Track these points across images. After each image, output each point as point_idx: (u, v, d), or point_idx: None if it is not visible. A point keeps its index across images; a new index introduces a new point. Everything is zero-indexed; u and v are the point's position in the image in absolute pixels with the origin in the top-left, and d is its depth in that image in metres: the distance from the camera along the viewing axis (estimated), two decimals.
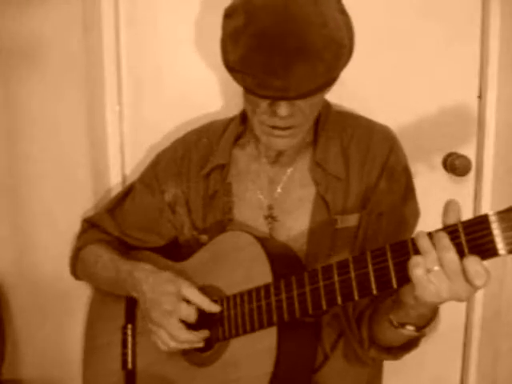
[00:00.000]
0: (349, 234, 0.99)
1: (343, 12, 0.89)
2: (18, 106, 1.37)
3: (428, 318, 0.80)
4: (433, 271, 0.67)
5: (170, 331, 0.91)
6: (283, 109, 0.86)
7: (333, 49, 0.83)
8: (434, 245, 0.67)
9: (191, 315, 0.91)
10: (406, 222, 1.01)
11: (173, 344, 0.93)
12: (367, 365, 1.02)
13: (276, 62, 0.81)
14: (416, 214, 1.04)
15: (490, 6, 1.26)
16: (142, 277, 0.97)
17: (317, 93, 0.85)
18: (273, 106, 0.87)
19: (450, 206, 0.69)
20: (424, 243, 0.68)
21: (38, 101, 1.35)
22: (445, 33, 1.28)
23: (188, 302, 0.92)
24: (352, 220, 0.99)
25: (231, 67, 0.87)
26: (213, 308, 0.92)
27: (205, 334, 0.93)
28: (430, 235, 0.68)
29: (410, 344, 0.88)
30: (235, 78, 0.87)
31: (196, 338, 0.92)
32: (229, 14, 0.89)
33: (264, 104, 0.89)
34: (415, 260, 0.68)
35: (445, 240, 0.66)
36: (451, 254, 0.65)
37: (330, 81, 0.86)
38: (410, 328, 0.81)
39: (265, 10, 0.83)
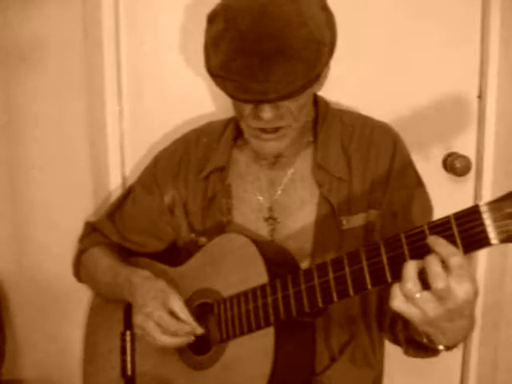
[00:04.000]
0: (356, 235, 0.99)
1: (325, 9, 0.88)
2: (18, 106, 1.37)
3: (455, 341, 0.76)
4: (415, 298, 0.66)
5: (150, 333, 0.92)
6: (266, 113, 0.86)
7: (312, 48, 0.83)
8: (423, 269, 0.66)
9: (167, 323, 0.90)
10: (421, 218, 0.99)
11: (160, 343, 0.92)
12: (374, 367, 1.03)
13: (255, 66, 0.81)
14: (429, 208, 1.02)
15: (490, 6, 1.26)
16: (138, 283, 0.97)
17: (298, 93, 0.85)
18: (256, 110, 0.88)
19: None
20: (409, 271, 0.67)
21: (38, 101, 1.35)
22: (445, 33, 1.28)
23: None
24: (358, 220, 0.99)
25: (212, 73, 0.88)
26: (196, 330, 0.91)
27: (184, 341, 0.92)
28: (423, 233, 0.68)
29: None
30: (217, 83, 0.88)
31: (178, 343, 0.92)
32: (210, 20, 0.90)
33: (248, 108, 0.89)
34: (393, 292, 0.68)
35: (434, 267, 0.65)
36: (442, 282, 0.64)
37: (310, 80, 0.85)
38: (441, 348, 0.77)
39: (243, 13, 0.83)
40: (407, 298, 0.67)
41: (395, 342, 0.95)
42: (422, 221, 0.98)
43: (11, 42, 1.33)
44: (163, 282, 0.96)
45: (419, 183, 1.03)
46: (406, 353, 0.92)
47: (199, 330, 0.92)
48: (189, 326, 0.91)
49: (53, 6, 1.30)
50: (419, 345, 0.84)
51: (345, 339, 1.02)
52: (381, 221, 0.99)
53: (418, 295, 0.66)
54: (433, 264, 0.65)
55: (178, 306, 0.92)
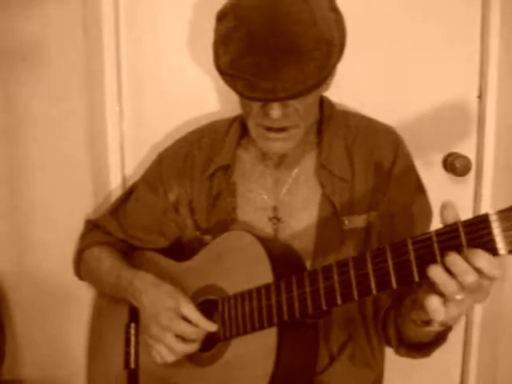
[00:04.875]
0: (357, 235, 0.99)
1: (334, 10, 0.89)
2: (18, 106, 1.37)
3: None
4: (455, 300, 0.65)
5: (168, 344, 0.91)
6: (275, 111, 0.86)
7: (323, 48, 0.83)
8: (446, 270, 0.64)
9: (188, 332, 0.91)
10: (420, 221, 1.00)
11: (170, 358, 0.93)
12: (374, 367, 1.03)
13: (265, 64, 0.81)
14: (429, 213, 1.02)
15: (490, 6, 1.26)
16: (141, 288, 0.97)
17: (307, 93, 0.85)
18: (265, 108, 0.87)
19: (446, 208, 0.66)
20: (440, 274, 0.64)
21: (38, 101, 1.35)
22: (445, 33, 1.28)
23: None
24: (359, 221, 0.99)
25: (222, 70, 0.87)
26: (210, 328, 0.91)
27: (198, 345, 0.93)
28: (430, 239, 0.67)
29: (439, 339, 0.87)
30: (226, 81, 0.87)
31: (193, 349, 0.92)
32: (220, 18, 0.90)
33: (256, 106, 0.89)
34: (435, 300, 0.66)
35: (461, 263, 0.63)
36: (472, 277, 0.63)
37: (320, 80, 0.85)
38: (435, 324, 0.77)
39: (253, 11, 0.83)
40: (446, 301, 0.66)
41: (387, 342, 0.95)
42: (420, 224, 1.00)
43: (11, 41, 1.33)
44: (168, 285, 0.96)
45: (419, 187, 1.03)
46: (397, 352, 0.92)
47: (213, 328, 0.91)
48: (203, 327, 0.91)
49: (53, 6, 1.30)
50: (411, 345, 0.86)
51: (344, 339, 1.02)
52: (379, 221, 0.99)
53: (459, 297, 0.65)
54: (459, 261, 0.64)
55: (187, 309, 0.91)
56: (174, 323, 0.91)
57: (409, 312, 0.81)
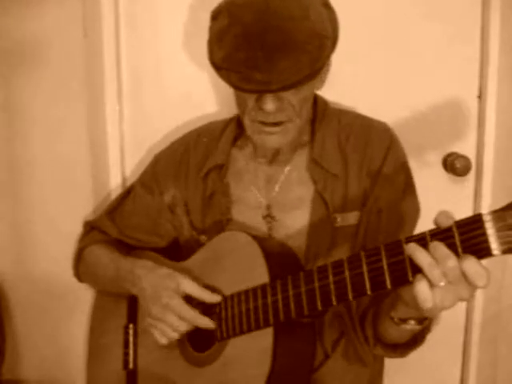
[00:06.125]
0: (349, 232, 0.99)
1: (327, 5, 0.91)
2: (18, 106, 1.37)
3: None
4: (438, 286, 0.65)
5: (169, 322, 0.92)
6: (269, 104, 0.87)
7: (315, 41, 0.85)
8: (431, 255, 0.65)
9: (186, 314, 0.91)
10: (406, 219, 1.01)
11: (174, 335, 0.93)
12: (368, 364, 1.02)
13: (259, 57, 0.83)
14: (416, 210, 1.03)
15: (490, 6, 1.26)
16: (141, 274, 0.98)
17: (300, 84, 0.86)
18: (259, 102, 0.88)
19: (442, 215, 0.66)
20: (425, 258, 0.65)
21: (38, 101, 1.35)
22: (445, 33, 1.28)
23: (187, 297, 0.92)
24: (352, 218, 0.99)
25: (216, 65, 0.89)
26: (213, 298, 0.92)
27: (204, 321, 0.92)
28: (424, 239, 0.67)
29: (415, 340, 0.87)
30: (221, 75, 0.89)
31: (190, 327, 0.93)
32: (214, 17, 0.92)
33: (251, 101, 0.90)
34: (420, 280, 0.65)
35: (442, 248, 0.64)
36: (452, 262, 0.63)
37: (313, 72, 0.86)
38: (412, 322, 0.79)
39: (247, 8, 0.86)
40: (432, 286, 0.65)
41: (365, 341, 0.96)
42: (406, 221, 1.00)
43: (11, 41, 1.33)
44: (166, 268, 0.97)
45: (409, 185, 1.03)
46: (374, 350, 0.93)
47: (216, 299, 0.92)
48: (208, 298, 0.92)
49: (53, 6, 1.30)
50: (387, 345, 0.88)
51: (336, 336, 1.03)
52: (366, 216, 0.99)
53: (442, 283, 0.65)
54: (441, 246, 0.64)
55: (187, 286, 0.92)
56: (173, 301, 0.91)
57: (389, 309, 0.82)
